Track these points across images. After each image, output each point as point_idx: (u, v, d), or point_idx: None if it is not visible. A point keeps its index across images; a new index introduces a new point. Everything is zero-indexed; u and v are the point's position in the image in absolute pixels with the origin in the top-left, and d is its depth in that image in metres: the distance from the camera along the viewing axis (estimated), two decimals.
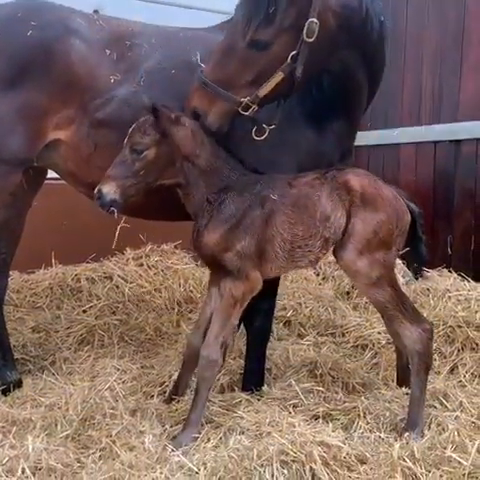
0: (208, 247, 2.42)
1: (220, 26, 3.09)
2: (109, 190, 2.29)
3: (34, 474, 2.17)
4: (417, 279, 2.68)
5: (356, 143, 3.08)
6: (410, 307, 2.46)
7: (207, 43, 2.88)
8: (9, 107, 2.61)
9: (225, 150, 2.48)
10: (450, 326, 3.38)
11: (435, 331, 3.36)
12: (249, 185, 2.45)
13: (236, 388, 2.89)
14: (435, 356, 3.21)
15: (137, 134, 2.34)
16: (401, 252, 2.60)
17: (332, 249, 2.50)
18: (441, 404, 2.65)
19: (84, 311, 3.89)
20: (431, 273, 4.24)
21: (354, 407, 2.62)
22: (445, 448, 2.24)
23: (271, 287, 2.88)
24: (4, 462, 2.21)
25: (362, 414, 2.57)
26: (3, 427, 2.50)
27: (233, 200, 2.41)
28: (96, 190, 2.32)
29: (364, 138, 4.66)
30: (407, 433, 2.36)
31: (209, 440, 2.41)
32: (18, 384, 2.95)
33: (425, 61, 4.81)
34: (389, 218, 2.41)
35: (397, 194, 2.50)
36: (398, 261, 4.53)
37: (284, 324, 3.80)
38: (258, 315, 2.86)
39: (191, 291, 4.21)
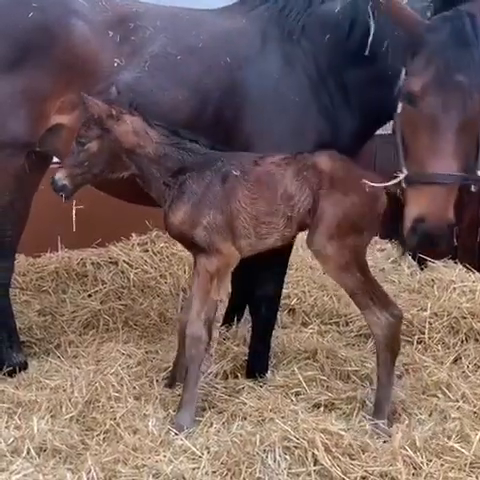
0: (175, 226, 2.50)
1: (227, 8, 3.06)
2: (60, 177, 2.45)
3: (39, 455, 2.22)
4: (403, 254, 2.67)
5: None
6: (380, 292, 2.47)
7: (213, 27, 2.84)
8: (11, 90, 2.58)
9: (177, 134, 2.53)
10: (454, 317, 3.38)
11: (439, 322, 3.39)
12: (209, 163, 2.51)
13: (239, 375, 2.91)
14: (439, 347, 3.22)
15: (83, 127, 2.46)
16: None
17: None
18: (444, 394, 2.66)
19: (89, 295, 3.90)
20: (437, 264, 4.23)
21: (356, 396, 2.63)
22: (447, 438, 2.26)
23: (278, 275, 2.89)
24: (9, 442, 2.26)
25: (364, 403, 2.59)
26: (9, 408, 2.54)
27: (193, 179, 2.49)
28: (51, 176, 2.50)
29: None
30: (376, 420, 2.39)
31: (212, 425, 2.44)
32: (24, 366, 2.98)
33: None
34: (361, 201, 2.41)
35: (371, 177, 2.46)
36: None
37: (288, 312, 3.80)
38: (263, 303, 2.88)
39: None
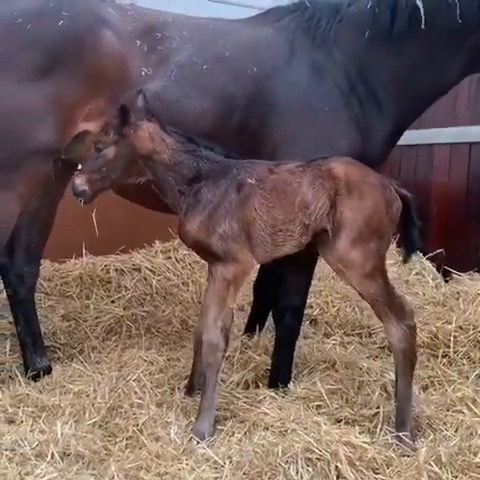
0: (190, 235, 2.50)
1: (252, 19, 3.08)
2: (80, 182, 2.47)
3: (62, 459, 2.23)
4: (406, 262, 2.64)
5: None
6: (397, 302, 2.44)
7: (239, 37, 2.86)
8: (40, 97, 2.59)
9: (193, 142, 2.54)
10: None
11: (465, 335, 3.33)
12: (224, 171, 2.51)
13: (261, 384, 2.90)
14: (464, 361, 3.17)
15: (100, 133, 2.50)
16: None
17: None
18: (469, 410, 2.60)
19: (112, 301, 3.95)
20: (462, 277, 4.17)
21: (377, 412, 2.58)
22: (474, 454, 2.21)
23: (303, 284, 2.88)
24: (34, 446, 2.27)
25: (388, 417, 2.55)
26: (33, 412, 2.56)
27: (208, 188, 2.50)
28: (71, 180, 2.53)
29: None
30: (398, 434, 2.35)
31: (234, 434, 2.43)
32: (48, 371, 3.01)
33: None
34: (378, 205, 2.40)
35: (385, 181, 2.48)
36: (429, 264, 4.49)
37: (310, 323, 3.79)
38: (288, 312, 2.87)
39: None
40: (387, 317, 2.42)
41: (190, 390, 2.79)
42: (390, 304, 2.41)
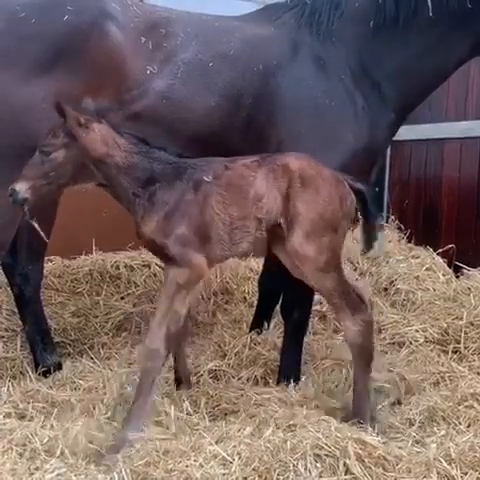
0: (147, 236, 2.46)
1: (250, 16, 3.06)
2: (21, 188, 2.32)
3: (72, 455, 2.23)
4: (368, 251, 2.60)
5: (398, 138, 3.05)
6: (354, 294, 2.43)
7: (243, 34, 2.84)
8: (44, 93, 2.55)
9: (145, 143, 2.48)
10: None
11: (475, 331, 3.32)
12: (179, 172, 2.46)
13: (270, 380, 2.90)
14: (475, 357, 3.16)
15: (48, 136, 2.37)
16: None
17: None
18: None
19: (122, 298, 3.96)
20: (473, 272, 4.14)
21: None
22: None
23: None
24: (44, 442, 2.28)
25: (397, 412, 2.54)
26: (43, 408, 2.58)
27: (163, 190, 2.43)
28: (10, 188, 2.34)
29: (407, 132, 4.56)
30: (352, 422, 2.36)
31: (243, 430, 2.42)
32: (58, 366, 3.03)
33: None
34: (332, 199, 2.40)
35: (339, 177, 2.47)
36: (438, 258, 4.45)
37: (319, 319, 3.78)
38: (296, 308, 2.87)
39: (227, 282, 4.22)
40: (343, 311, 2.41)
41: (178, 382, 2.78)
42: (345, 298, 2.40)
